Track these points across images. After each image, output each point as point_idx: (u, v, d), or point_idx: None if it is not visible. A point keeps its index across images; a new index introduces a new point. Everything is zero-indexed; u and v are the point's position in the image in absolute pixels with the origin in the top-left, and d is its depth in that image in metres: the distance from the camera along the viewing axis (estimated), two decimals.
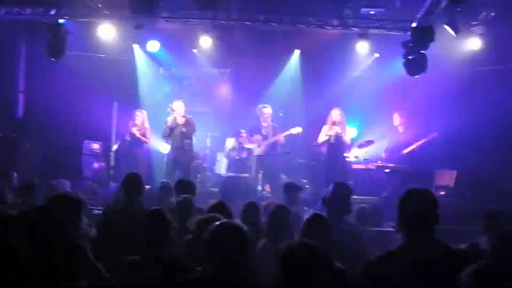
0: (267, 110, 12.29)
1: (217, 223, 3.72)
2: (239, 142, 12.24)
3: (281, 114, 12.39)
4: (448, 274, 3.38)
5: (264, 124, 12.32)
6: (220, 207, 5.61)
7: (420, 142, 11.98)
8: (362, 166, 12.23)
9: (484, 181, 11.52)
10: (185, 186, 7.35)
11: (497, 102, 11.88)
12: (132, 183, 6.46)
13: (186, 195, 6.54)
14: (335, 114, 11.55)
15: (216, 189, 11.93)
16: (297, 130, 12.06)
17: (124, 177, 6.51)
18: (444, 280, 3.41)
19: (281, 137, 12.02)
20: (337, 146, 11.48)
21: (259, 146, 12.20)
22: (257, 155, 12.03)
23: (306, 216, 4.83)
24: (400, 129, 12.43)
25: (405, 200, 3.75)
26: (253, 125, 12.53)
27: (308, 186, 12.75)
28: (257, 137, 12.27)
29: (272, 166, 12.15)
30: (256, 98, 13.44)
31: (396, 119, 12.46)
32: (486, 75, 12.50)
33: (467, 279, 3.01)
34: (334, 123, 11.51)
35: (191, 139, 11.62)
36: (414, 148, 12.04)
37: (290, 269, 3.51)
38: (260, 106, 12.43)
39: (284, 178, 12.60)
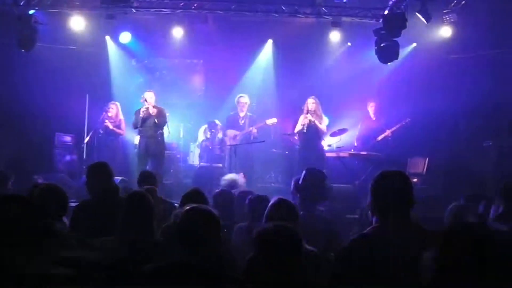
0: (244, 100, 12.19)
1: (187, 207, 3.61)
2: (212, 132, 12.08)
3: (254, 104, 12.28)
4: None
5: (241, 114, 12.21)
6: (195, 195, 5.45)
7: (393, 128, 11.96)
8: (335, 154, 12.12)
9: (456, 167, 11.52)
10: (147, 177, 7.19)
11: (469, 89, 11.87)
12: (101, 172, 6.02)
13: (149, 186, 6.38)
14: (310, 103, 11.45)
15: (189, 180, 11.78)
16: (272, 121, 11.97)
17: (90, 167, 6.10)
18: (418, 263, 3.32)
19: (255, 130, 11.89)
20: (310, 135, 11.35)
21: (234, 139, 12.08)
22: (230, 145, 11.88)
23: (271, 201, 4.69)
24: (373, 116, 12.39)
25: (379, 181, 3.63)
26: (229, 115, 12.42)
27: (281, 176, 12.74)
28: (231, 132, 12.13)
29: (245, 155, 12.00)
30: (229, 89, 13.31)
31: (370, 108, 12.42)
32: (458, 63, 12.50)
33: (428, 261, 2.92)
34: (308, 112, 11.41)
35: (163, 129, 11.44)
36: (387, 135, 12.03)
37: (266, 251, 3.42)
38: (238, 96, 12.32)
39: (258, 167, 12.59)
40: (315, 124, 11.34)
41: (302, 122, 11.42)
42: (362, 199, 9.64)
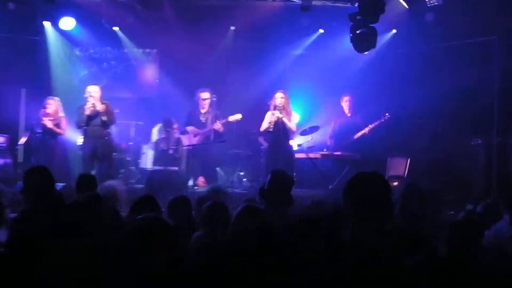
0: (205, 95, 12.09)
1: (139, 217, 3.63)
2: (167, 131, 12.07)
3: (214, 99, 12.25)
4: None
5: (202, 111, 12.13)
6: (146, 203, 5.46)
7: (371, 126, 12.03)
8: (305, 155, 12.11)
9: (441, 168, 11.59)
10: (87, 181, 7.18)
11: (454, 81, 11.88)
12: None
13: (91, 192, 6.36)
14: (278, 98, 11.37)
15: (141, 186, 11.65)
16: (236, 117, 11.90)
17: (27, 171, 5.95)
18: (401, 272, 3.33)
19: (219, 125, 11.83)
20: (278, 133, 11.27)
21: (194, 136, 12.04)
22: (188, 145, 11.85)
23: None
24: (348, 112, 12.44)
25: (353, 185, 3.61)
26: (189, 111, 12.32)
27: (245, 180, 12.74)
28: (191, 129, 12.07)
29: (205, 157, 12.01)
30: (187, 82, 13.24)
31: (345, 103, 12.45)
32: (442, 52, 12.48)
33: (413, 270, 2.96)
34: (275, 108, 11.35)
35: (111, 128, 11.37)
36: (364, 133, 12.10)
37: (230, 264, 3.48)
38: (198, 91, 12.23)
39: (219, 171, 12.61)
40: (283, 122, 11.29)
41: (269, 119, 11.36)
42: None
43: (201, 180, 12.21)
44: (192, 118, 12.18)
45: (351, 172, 10.51)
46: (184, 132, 12.22)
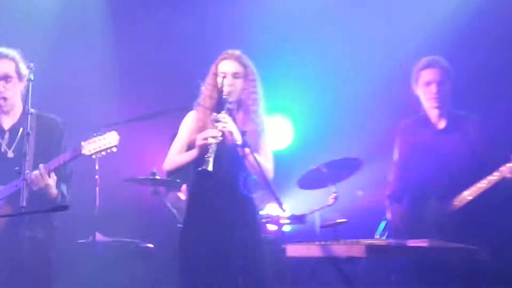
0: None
1: None
2: None
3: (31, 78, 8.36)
4: None
5: (4, 121, 8.34)
6: None
7: None
8: (317, 252, 7.62)
9: None
10: None
11: None
12: None
13: None
14: (226, 69, 7.51)
15: None
16: (109, 141, 7.49)
17: None
18: None
19: (39, 176, 7.32)
20: (225, 177, 7.43)
21: None
22: None
23: None
24: (438, 120, 8.23)
25: None
26: None
27: None
28: None
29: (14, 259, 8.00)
30: None
31: (424, 89, 8.18)
32: None
33: None
34: (220, 106, 7.41)
35: None
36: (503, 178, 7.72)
37: None
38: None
39: None
40: (240, 142, 7.27)
41: (201, 135, 7.35)
42: None
43: None
44: None
45: None
46: None
